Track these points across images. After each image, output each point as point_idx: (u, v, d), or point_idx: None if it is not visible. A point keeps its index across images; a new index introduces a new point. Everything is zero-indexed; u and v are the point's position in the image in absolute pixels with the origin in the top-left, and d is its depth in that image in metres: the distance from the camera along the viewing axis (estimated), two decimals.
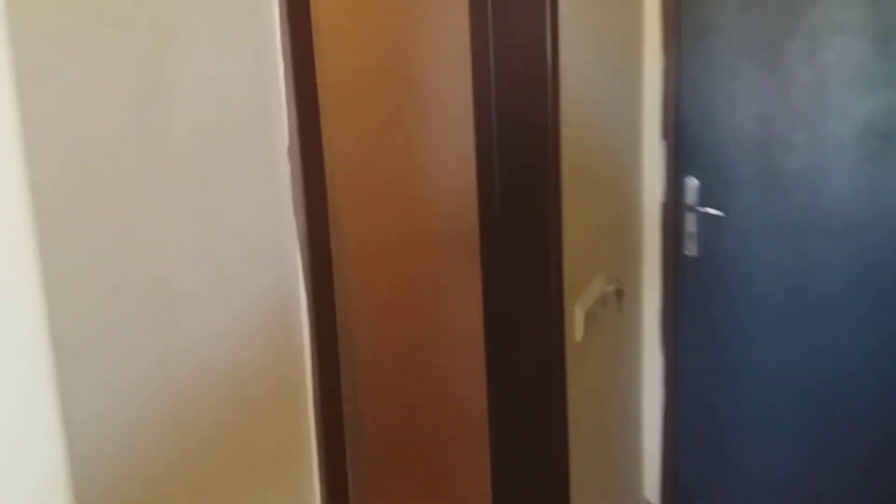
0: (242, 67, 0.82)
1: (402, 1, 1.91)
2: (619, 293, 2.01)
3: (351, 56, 1.96)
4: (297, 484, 0.95)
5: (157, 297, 0.73)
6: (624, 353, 2.29)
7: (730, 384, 2.45)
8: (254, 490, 0.88)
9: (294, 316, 0.91)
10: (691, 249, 2.42)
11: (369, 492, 2.17)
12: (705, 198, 2.39)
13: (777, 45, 2.28)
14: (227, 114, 0.80)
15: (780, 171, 2.32)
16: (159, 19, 0.72)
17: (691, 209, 2.40)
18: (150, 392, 0.73)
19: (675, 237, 2.43)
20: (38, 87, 0.61)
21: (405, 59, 1.94)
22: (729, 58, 2.32)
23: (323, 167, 0.90)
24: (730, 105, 2.34)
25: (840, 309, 2.30)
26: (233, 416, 0.83)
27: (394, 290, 2.07)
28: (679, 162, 2.41)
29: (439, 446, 2.14)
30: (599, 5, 1.95)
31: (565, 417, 1.76)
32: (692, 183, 2.39)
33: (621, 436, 2.36)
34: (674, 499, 2.61)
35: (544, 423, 1.75)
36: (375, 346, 2.12)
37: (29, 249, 0.61)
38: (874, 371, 2.30)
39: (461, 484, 2.11)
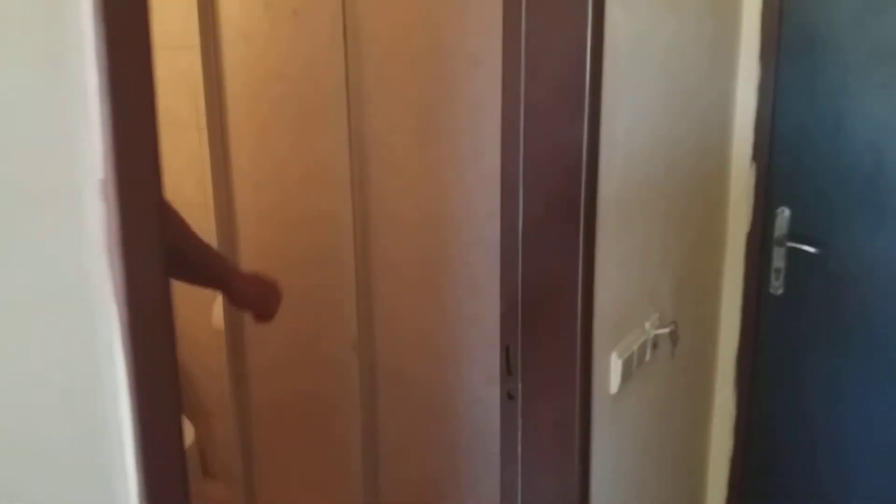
0: (26, 75, 0.58)
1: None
2: (675, 336, 1.66)
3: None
4: None
5: None
6: (681, 402, 1.93)
7: (810, 442, 2.04)
8: None
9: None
10: (777, 287, 2.03)
11: None
12: (798, 231, 1.99)
13: None
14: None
15: (890, 208, 1.89)
16: None
17: (780, 243, 2.01)
18: None
19: (759, 273, 2.05)
20: None
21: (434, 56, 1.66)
22: (838, 74, 1.91)
23: (161, 209, 0.65)
24: (835, 128, 1.92)
25: None
26: None
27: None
28: (770, 189, 2.02)
29: None
30: (680, 11, 1.60)
31: (587, 478, 1.45)
32: (784, 213, 2.00)
33: (676, 492, 2.00)
34: None
35: (562, 485, 1.44)
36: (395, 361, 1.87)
37: None
38: None
39: None
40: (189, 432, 2.70)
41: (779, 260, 2.02)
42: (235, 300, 1.61)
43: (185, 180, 2.65)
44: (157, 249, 0.65)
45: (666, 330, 1.64)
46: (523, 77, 1.33)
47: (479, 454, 1.84)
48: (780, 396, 2.07)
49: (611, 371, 1.49)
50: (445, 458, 1.90)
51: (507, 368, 1.49)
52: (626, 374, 1.51)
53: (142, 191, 0.64)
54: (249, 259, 2.15)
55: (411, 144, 1.73)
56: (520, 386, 1.47)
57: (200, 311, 2.89)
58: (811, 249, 1.96)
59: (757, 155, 2.01)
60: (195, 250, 1.49)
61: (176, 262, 1.46)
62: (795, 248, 1.98)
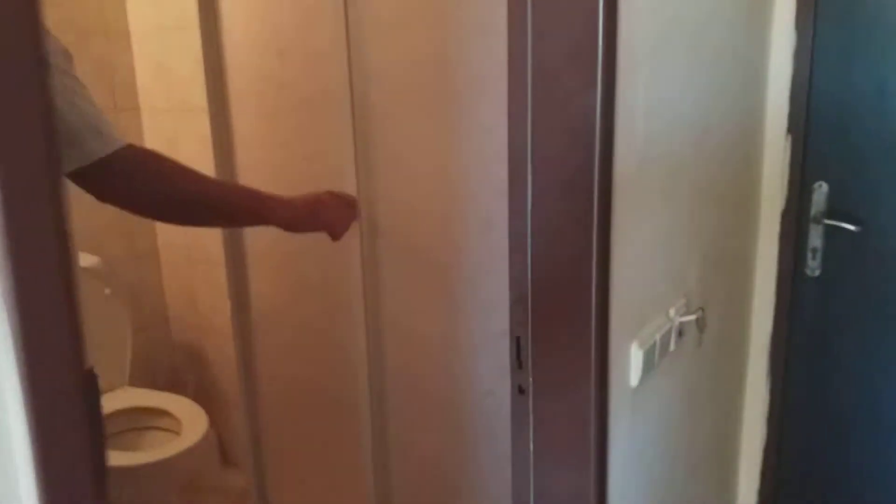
0: None
1: None
2: (701, 323, 1.51)
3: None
4: None
5: None
6: (710, 393, 1.78)
7: (848, 432, 1.89)
8: None
9: None
10: (813, 268, 1.87)
11: None
12: (836, 208, 1.82)
13: None
14: None
15: None
16: None
17: (818, 220, 1.84)
18: None
19: (795, 252, 1.89)
20: None
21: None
22: (879, 39, 1.74)
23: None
24: (877, 97, 1.76)
25: None
26: None
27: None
28: (807, 163, 1.85)
29: None
30: None
31: (604, 478, 1.32)
32: (821, 189, 1.83)
33: (705, 488, 1.85)
34: None
35: (577, 486, 1.31)
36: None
37: None
38: None
39: None
40: (203, 421, 2.62)
41: (816, 239, 1.85)
42: (289, 229, 1.56)
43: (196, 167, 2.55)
44: (55, 234, 0.52)
45: (692, 317, 1.49)
46: (530, 40, 1.19)
47: (492, 449, 1.71)
48: (816, 384, 1.91)
49: (631, 363, 1.35)
50: (456, 452, 1.78)
51: (518, 361, 1.36)
52: (648, 366, 1.37)
53: (30, 166, 0.51)
54: (255, 245, 2.05)
55: (417, 119, 1.60)
56: (531, 380, 1.34)
57: (219, 296, 2.80)
58: (851, 227, 1.79)
59: (792, 126, 1.85)
60: (206, 195, 1.41)
61: (180, 209, 1.39)
62: (834, 226, 1.82)
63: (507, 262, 1.36)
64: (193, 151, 2.71)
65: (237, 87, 1.93)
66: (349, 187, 1.73)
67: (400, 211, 1.70)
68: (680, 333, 1.47)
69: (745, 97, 1.78)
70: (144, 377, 3.01)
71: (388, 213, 1.72)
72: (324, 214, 1.61)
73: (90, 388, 1.47)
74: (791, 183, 1.87)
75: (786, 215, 1.88)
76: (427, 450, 1.82)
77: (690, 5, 1.42)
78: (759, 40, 1.80)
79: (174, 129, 2.82)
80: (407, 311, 1.75)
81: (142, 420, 2.69)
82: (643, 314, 1.39)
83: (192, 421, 2.63)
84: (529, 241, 1.28)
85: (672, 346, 1.45)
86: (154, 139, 2.92)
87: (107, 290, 2.67)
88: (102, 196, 1.28)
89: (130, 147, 1.29)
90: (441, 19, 1.51)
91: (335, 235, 1.66)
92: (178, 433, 2.60)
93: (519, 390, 1.35)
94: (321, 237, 1.69)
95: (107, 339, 2.70)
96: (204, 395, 3.11)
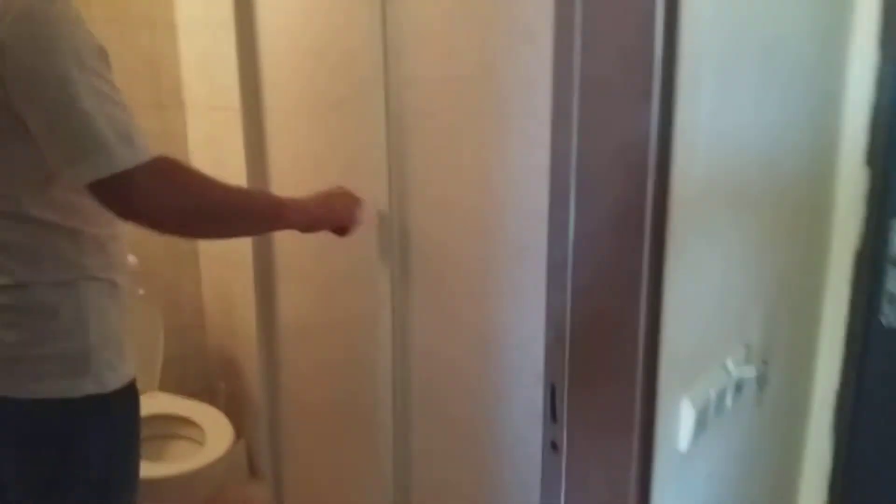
0: None
1: None
2: (763, 378, 1.28)
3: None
4: None
5: None
6: (767, 457, 1.53)
7: None
8: None
9: None
10: (890, 317, 1.60)
11: None
12: None
13: None
14: None
15: None
16: None
17: None
18: None
19: (869, 298, 1.62)
20: None
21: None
22: None
23: None
24: None
25: None
26: None
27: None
28: (887, 198, 1.59)
29: None
30: None
31: None
32: None
33: None
34: None
35: None
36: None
37: None
38: None
39: None
40: (228, 433, 2.46)
41: (893, 284, 1.59)
42: (306, 231, 1.47)
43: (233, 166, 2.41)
44: None
45: (753, 370, 1.25)
46: (578, 45, 0.98)
47: (523, 495, 1.49)
48: (886, 447, 1.64)
49: (681, 422, 1.12)
50: (482, 490, 1.56)
51: (552, 413, 1.14)
52: (701, 427, 1.14)
53: None
54: (284, 254, 1.89)
55: (453, 128, 1.40)
56: (566, 435, 1.13)
57: (252, 303, 2.65)
58: None
59: (871, 158, 1.59)
60: (231, 206, 1.29)
61: (206, 223, 1.25)
62: None
63: (541, 296, 1.16)
64: (234, 151, 2.57)
65: (272, 86, 1.77)
66: (381, 193, 1.54)
67: (432, 226, 1.51)
68: (738, 389, 1.24)
69: (818, 123, 1.54)
70: (176, 382, 2.87)
71: (419, 228, 1.52)
72: (336, 207, 1.49)
73: (131, 393, 1.36)
74: (867, 220, 1.61)
75: (860, 256, 1.63)
76: (451, 482, 1.62)
77: (763, 13, 1.19)
78: (834, 58, 1.55)
79: (216, 128, 2.68)
80: (435, 339, 1.55)
81: (166, 428, 2.54)
82: (697, 365, 1.16)
83: (217, 432, 2.47)
84: (570, 274, 1.07)
85: (729, 404, 1.21)
86: (197, 138, 2.79)
87: (140, 291, 2.54)
88: (125, 211, 1.16)
89: (161, 159, 1.16)
90: (483, 23, 1.31)
91: (343, 229, 1.52)
92: (202, 444, 2.45)
93: (552, 447, 1.14)
94: (351, 247, 1.51)
95: (138, 340, 2.56)
96: (235, 404, 2.95)
